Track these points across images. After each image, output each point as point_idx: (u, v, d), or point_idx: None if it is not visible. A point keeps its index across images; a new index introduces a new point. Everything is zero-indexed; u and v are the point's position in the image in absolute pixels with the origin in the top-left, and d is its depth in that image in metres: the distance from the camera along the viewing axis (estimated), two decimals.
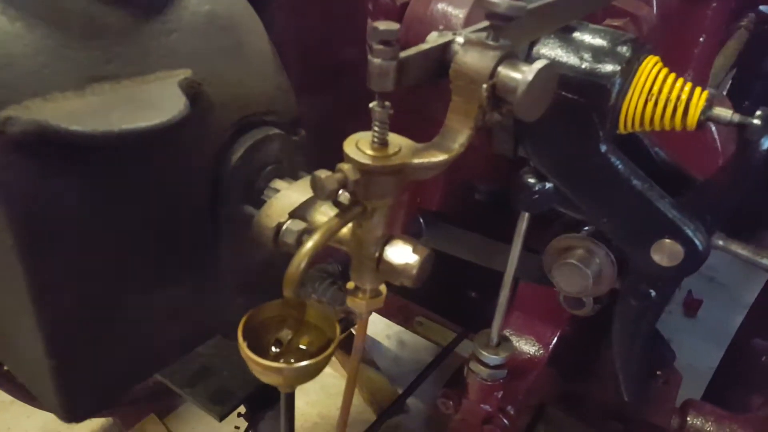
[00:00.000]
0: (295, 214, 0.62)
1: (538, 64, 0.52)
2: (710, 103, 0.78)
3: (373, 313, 0.65)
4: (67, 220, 0.50)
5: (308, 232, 0.61)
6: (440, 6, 0.89)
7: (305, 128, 0.73)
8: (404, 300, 1.87)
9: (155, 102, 0.52)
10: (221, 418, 1.27)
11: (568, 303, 1.08)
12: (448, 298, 1.73)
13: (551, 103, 0.84)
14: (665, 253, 0.84)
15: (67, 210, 0.49)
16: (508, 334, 1.30)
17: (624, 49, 0.81)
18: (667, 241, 0.83)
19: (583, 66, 0.81)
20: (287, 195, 0.64)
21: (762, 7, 1.61)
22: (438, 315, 1.87)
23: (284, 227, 0.61)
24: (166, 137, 0.51)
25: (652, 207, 0.83)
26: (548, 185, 0.92)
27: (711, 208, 0.85)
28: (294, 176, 0.70)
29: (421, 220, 1.24)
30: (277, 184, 0.67)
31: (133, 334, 0.61)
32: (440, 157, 0.56)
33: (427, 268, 0.60)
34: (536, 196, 0.94)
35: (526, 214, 0.98)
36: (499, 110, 0.55)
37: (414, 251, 0.59)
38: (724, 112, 0.78)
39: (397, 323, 1.97)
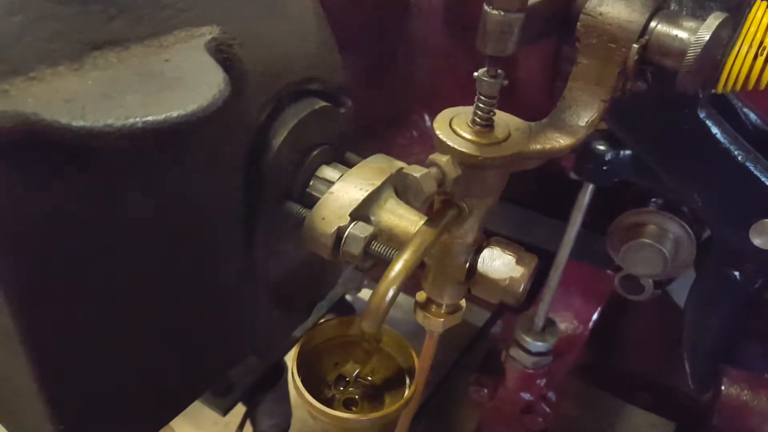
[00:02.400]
0: (357, 215, 0.48)
1: (714, 20, 0.38)
2: None
3: None
4: (63, 250, 0.35)
5: (376, 237, 0.47)
6: None
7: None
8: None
9: (182, 77, 0.36)
10: (225, 411, 1.16)
11: (626, 288, 0.96)
12: None
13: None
14: (767, 234, 0.72)
15: (62, 238, 0.35)
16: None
17: None
18: None
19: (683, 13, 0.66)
20: (343, 189, 0.49)
21: None
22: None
23: (347, 233, 0.47)
24: (193, 126, 0.36)
25: (757, 182, 0.70)
26: (623, 153, 0.79)
27: None
28: (343, 160, 0.56)
29: None
30: (326, 172, 0.52)
31: (147, 377, 0.47)
32: (564, 141, 0.42)
33: (531, 282, 0.47)
34: (607, 166, 0.81)
35: (590, 187, 0.85)
36: (645, 78, 0.41)
37: (519, 262, 0.46)
38: None
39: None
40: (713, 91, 0.71)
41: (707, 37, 0.38)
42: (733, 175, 0.71)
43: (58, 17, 0.35)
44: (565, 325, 1.27)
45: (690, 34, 0.38)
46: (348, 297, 1.34)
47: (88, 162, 0.34)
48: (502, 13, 0.36)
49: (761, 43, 0.67)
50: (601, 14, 0.40)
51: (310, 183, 0.52)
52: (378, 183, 0.50)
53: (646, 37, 0.39)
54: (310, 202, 0.50)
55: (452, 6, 0.79)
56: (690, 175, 0.73)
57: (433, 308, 0.51)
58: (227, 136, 0.44)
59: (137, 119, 0.31)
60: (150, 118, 0.32)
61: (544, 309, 1.01)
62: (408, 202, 0.39)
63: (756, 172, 0.70)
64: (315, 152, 0.52)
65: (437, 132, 0.41)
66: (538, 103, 0.87)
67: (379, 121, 0.90)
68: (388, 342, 0.52)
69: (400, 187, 0.39)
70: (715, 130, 0.70)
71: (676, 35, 0.38)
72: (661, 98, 0.71)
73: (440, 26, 0.81)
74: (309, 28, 0.51)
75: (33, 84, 0.32)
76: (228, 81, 0.37)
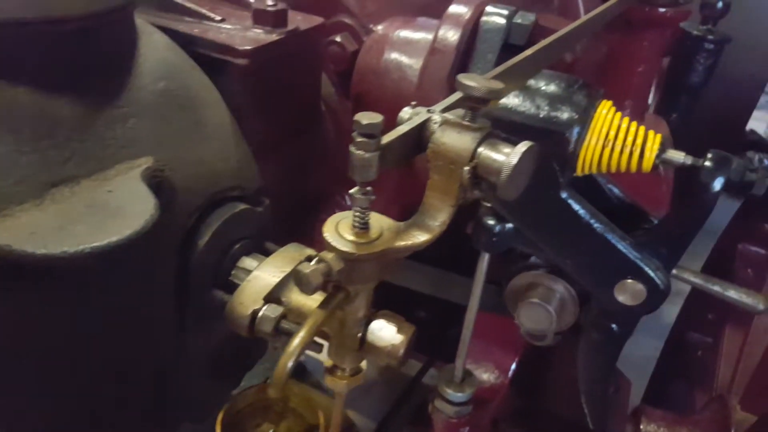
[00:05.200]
0: (270, 298, 0.59)
1: (522, 146, 0.52)
2: (664, 147, 0.80)
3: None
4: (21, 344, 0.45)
5: (286, 316, 0.58)
6: (393, 56, 0.88)
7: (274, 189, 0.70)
8: None
9: (121, 206, 0.48)
10: None
11: (530, 335, 1.09)
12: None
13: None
14: (628, 292, 0.86)
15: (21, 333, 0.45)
16: (467, 363, 1.30)
17: (580, 97, 0.82)
18: (630, 281, 0.85)
19: (541, 114, 0.82)
20: (259, 276, 0.61)
21: (682, 24, 1.68)
22: None
23: (260, 314, 0.58)
24: (135, 241, 0.48)
25: (614, 249, 0.84)
26: (508, 226, 0.92)
27: (668, 245, 0.87)
28: (262, 250, 0.67)
29: None
30: (246, 263, 0.64)
31: None
32: (422, 238, 0.55)
33: (412, 346, 0.59)
34: (496, 237, 0.94)
35: (487, 255, 0.98)
36: (480, 188, 0.55)
37: (399, 331, 0.58)
38: (677, 155, 0.81)
39: None
40: (575, 174, 0.86)
41: (515, 161, 0.51)
42: (595, 244, 0.85)
43: (24, 165, 0.46)
44: (486, 375, 1.38)
45: (505, 157, 0.52)
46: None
47: (42, 277, 0.45)
48: (364, 153, 0.49)
49: (606, 136, 0.83)
50: (442, 144, 0.54)
51: (233, 272, 0.63)
52: (288, 270, 0.61)
53: (475, 160, 0.52)
54: (233, 288, 0.61)
55: (359, 108, 0.93)
56: (559, 245, 0.88)
57: (338, 372, 0.62)
58: (160, 241, 0.56)
59: (85, 246, 0.42)
60: (96, 244, 0.43)
61: (461, 361, 1.13)
62: (301, 291, 0.51)
63: (613, 241, 0.85)
64: (237, 246, 0.64)
65: (325, 234, 0.53)
66: None
67: (309, 201, 1.03)
68: (300, 402, 0.62)
69: (295, 279, 0.50)
70: (576, 207, 0.85)
71: (495, 159, 0.52)
72: (529, 184, 0.85)
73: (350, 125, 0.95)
74: (229, 147, 0.64)
75: (6, 220, 0.43)
76: (158, 207, 0.49)
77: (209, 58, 0.66)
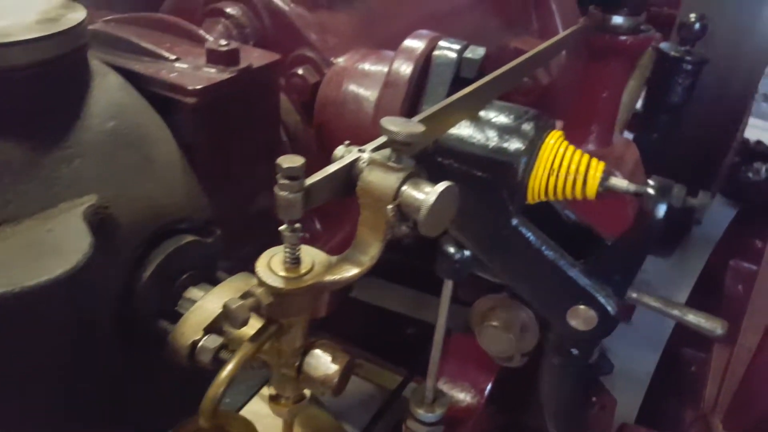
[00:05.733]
0: (211, 329, 0.62)
1: (441, 186, 0.54)
2: (607, 175, 0.83)
3: None
4: None
5: (226, 346, 0.61)
6: (351, 87, 0.91)
7: (228, 220, 0.73)
8: (340, 343, 1.86)
9: (58, 244, 0.51)
10: None
11: (497, 359, 1.11)
12: (386, 338, 1.74)
13: (463, 177, 0.88)
14: (580, 318, 0.88)
15: None
16: (443, 383, 1.32)
17: (528, 127, 0.84)
18: (582, 307, 0.87)
19: (491, 145, 0.84)
20: (202, 307, 0.63)
21: (661, 45, 1.72)
22: (378, 357, 1.87)
23: (200, 345, 0.60)
24: (70, 277, 0.50)
25: (565, 276, 0.87)
26: (467, 253, 0.95)
27: (619, 270, 0.90)
28: (212, 280, 0.70)
29: None
30: (192, 293, 0.66)
31: None
32: (352, 272, 0.57)
33: (349, 375, 0.61)
34: (457, 264, 0.97)
35: (450, 282, 1.01)
36: (407, 224, 0.57)
37: (334, 361, 0.60)
38: (620, 183, 0.83)
39: None
40: (526, 202, 0.89)
41: (433, 200, 0.54)
42: (546, 270, 0.88)
43: None
44: (462, 394, 1.40)
45: (425, 196, 0.54)
46: None
47: None
48: (287, 194, 0.52)
49: (551, 166, 0.85)
50: (369, 183, 0.56)
51: (179, 303, 0.66)
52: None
53: (399, 199, 0.55)
54: (178, 319, 0.64)
55: (321, 137, 0.96)
56: (513, 271, 0.90)
57: (282, 400, 0.64)
58: (102, 275, 0.58)
59: (16, 286, 0.45)
60: (27, 283, 0.46)
61: (431, 381, 1.15)
62: (230, 325, 0.53)
63: (564, 268, 0.87)
64: (184, 276, 0.67)
65: (257, 268, 0.56)
66: None
67: (273, 227, 1.06)
68: (241, 430, 0.65)
69: (223, 314, 0.53)
70: (527, 234, 0.88)
71: (416, 197, 0.55)
72: (480, 209, 0.88)
73: (314, 153, 0.98)
74: (176, 182, 0.67)
75: None
76: (93, 245, 0.52)
77: (161, 96, 0.69)
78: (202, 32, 0.80)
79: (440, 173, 0.89)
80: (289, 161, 0.51)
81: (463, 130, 0.86)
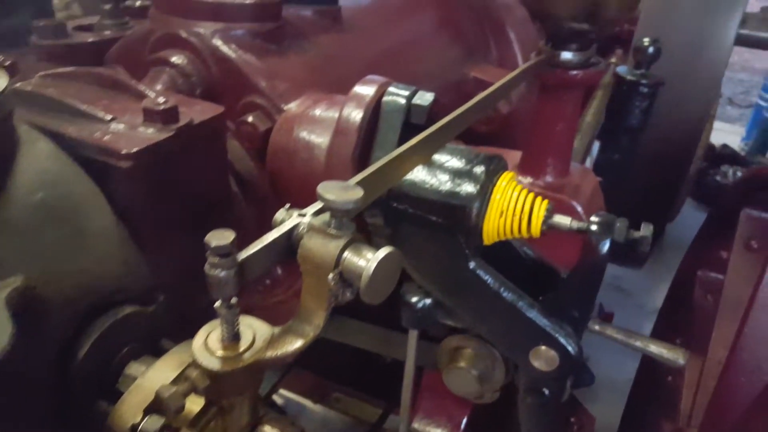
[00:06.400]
0: (152, 408, 0.59)
1: (382, 252, 0.52)
2: (550, 213, 0.82)
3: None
4: None
5: (169, 427, 0.58)
6: (303, 134, 0.89)
7: (175, 283, 0.70)
8: (317, 377, 1.82)
9: None
10: None
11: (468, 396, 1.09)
12: (364, 368, 1.71)
13: (419, 222, 0.86)
14: (542, 359, 0.86)
15: None
16: (419, 418, 1.30)
17: (480, 170, 0.83)
18: (543, 348, 0.86)
19: (444, 189, 0.83)
20: (142, 386, 0.60)
21: (618, 69, 1.74)
22: (356, 389, 1.83)
23: (140, 428, 0.57)
24: None
25: (524, 317, 0.85)
26: (428, 301, 0.93)
27: (577, 305, 0.88)
28: (156, 350, 0.67)
29: None
30: (133, 368, 0.63)
31: None
32: (296, 344, 0.55)
33: None
34: (420, 313, 0.95)
35: (415, 332, 0.99)
36: (351, 289, 0.55)
37: None
38: (563, 220, 0.82)
39: (313, 401, 1.91)
40: (482, 244, 0.87)
41: (374, 266, 0.52)
42: (505, 312, 0.86)
43: None
44: (439, 430, 1.37)
45: (366, 262, 0.52)
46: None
47: None
48: (219, 272, 0.49)
49: (503, 208, 0.84)
50: (309, 250, 0.54)
51: (120, 380, 0.63)
52: (173, 376, 0.61)
53: (340, 266, 0.53)
54: (119, 398, 0.60)
55: (275, 185, 0.94)
56: (473, 313, 0.88)
57: None
58: (32, 359, 0.55)
59: None
60: None
61: (404, 416, 1.12)
62: (165, 415, 0.50)
63: (523, 310, 0.86)
64: (124, 351, 0.64)
65: (193, 347, 0.53)
66: None
67: None
68: None
69: (157, 401, 0.50)
70: (485, 277, 0.86)
71: (358, 264, 0.53)
72: (437, 253, 0.87)
73: (270, 200, 0.96)
74: (112, 252, 0.64)
75: None
76: (14, 336, 0.48)
77: (95, 161, 0.67)
78: (142, 87, 0.78)
79: (396, 218, 0.88)
80: (218, 238, 0.48)
81: (417, 174, 0.84)
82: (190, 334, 0.66)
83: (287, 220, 0.57)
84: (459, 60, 1.62)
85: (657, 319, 1.68)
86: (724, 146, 4.22)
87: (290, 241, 0.56)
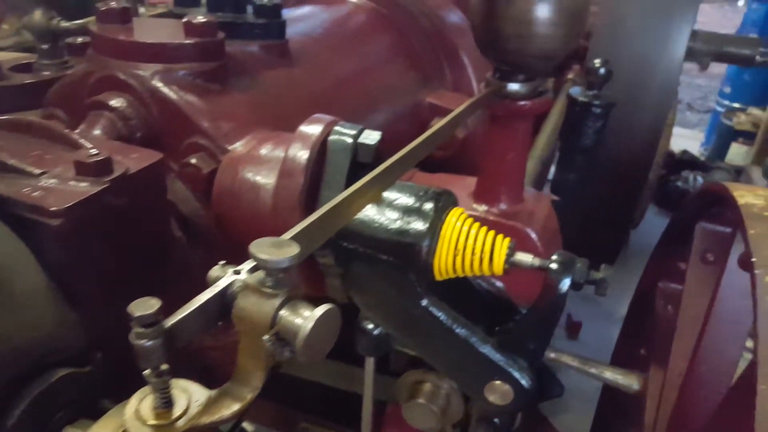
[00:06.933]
0: None
1: (319, 311, 0.51)
2: (512, 251, 0.81)
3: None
4: None
5: None
6: (248, 176, 0.87)
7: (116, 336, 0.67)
8: (283, 407, 1.79)
9: None
10: None
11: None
12: (331, 399, 1.68)
13: (370, 261, 0.85)
14: (497, 393, 0.86)
15: None
16: None
17: (429, 207, 0.83)
18: (497, 382, 0.85)
19: (393, 227, 0.82)
20: None
21: (571, 91, 1.76)
22: (324, 419, 1.80)
23: None
24: None
25: (478, 353, 0.85)
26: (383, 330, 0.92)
27: (533, 338, 0.88)
28: (95, 411, 0.64)
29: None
30: None
31: None
32: (233, 408, 0.53)
33: None
34: (375, 341, 0.94)
35: (372, 358, 0.98)
36: (290, 348, 0.54)
37: None
38: (526, 257, 0.82)
39: None
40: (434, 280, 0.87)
41: (311, 326, 0.51)
42: (459, 348, 0.85)
43: None
44: None
45: (303, 321, 0.51)
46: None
47: None
48: (144, 342, 0.47)
49: (456, 245, 0.84)
50: (243, 310, 0.53)
51: None
52: None
53: (277, 326, 0.52)
54: None
55: (221, 228, 0.92)
56: (428, 348, 0.88)
57: None
58: None
59: None
60: None
61: None
62: None
63: (476, 346, 0.85)
64: (58, 415, 0.61)
65: (125, 415, 0.51)
66: None
67: None
68: None
69: None
70: (438, 313, 0.85)
71: (294, 323, 0.51)
72: (389, 290, 0.86)
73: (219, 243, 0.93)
74: (42, 314, 0.61)
75: None
76: None
77: (24, 219, 0.64)
78: (76, 136, 0.75)
79: (347, 258, 0.87)
80: (141, 307, 0.46)
81: (366, 213, 0.83)
82: (134, 391, 0.64)
83: (222, 277, 0.56)
84: (414, 86, 1.62)
85: (621, 330, 1.69)
86: (684, 152, 4.32)
87: (224, 300, 0.54)
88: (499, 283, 1.07)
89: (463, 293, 0.94)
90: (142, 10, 1.52)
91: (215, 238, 0.95)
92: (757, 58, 2.43)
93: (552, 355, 0.96)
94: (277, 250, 0.52)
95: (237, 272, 0.56)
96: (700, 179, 4.00)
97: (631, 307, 1.67)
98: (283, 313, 0.52)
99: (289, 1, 1.73)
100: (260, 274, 0.54)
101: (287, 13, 1.47)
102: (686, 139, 4.97)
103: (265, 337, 0.51)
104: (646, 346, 1.52)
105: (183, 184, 0.93)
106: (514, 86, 1.03)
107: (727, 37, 2.62)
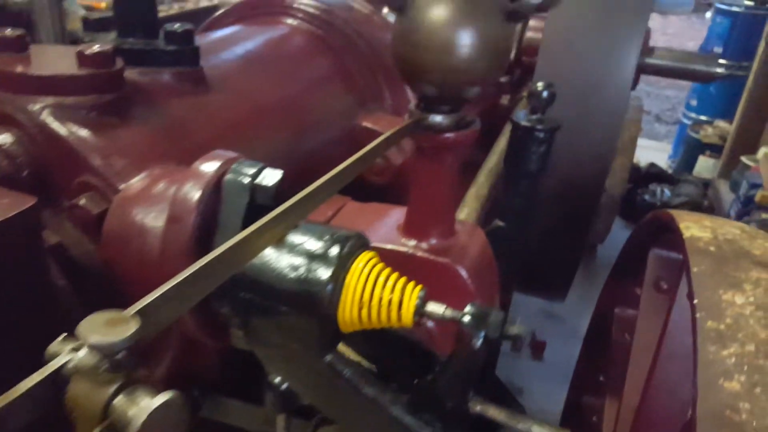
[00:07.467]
0: None
1: (157, 401, 0.45)
2: (423, 301, 0.76)
3: None
4: None
5: None
6: (138, 218, 0.80)
7: None
8: None
9: None
10: None
11: None
12: None
13: (268, 312, 0.79)
14: None
15: None
16: None
17: (334, 251, 0.77)
18: None
19: (293, 275, 0.76)
20: None
21: (514, 115, 1.73)
22: None
23: None
24: None
25: (386, 414, 0.79)
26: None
27: (450, 396, 0.83)
28: None
29: (196, 394, 1.13)
30: None
31: None
32: None
33: None
34: (284, 396, 0.88)
35: (282, 415, 0.92)
36: None
37: None
38: (437, 308, 0.76)
39: None
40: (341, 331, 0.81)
41: (143, 418, 0.44)
42: (367, 408, 0.79)
43: None
44: None
45: (140, 412, 0.45)
46: None
47: None
48: None
49: (362, 295, 0.78)
50: (74, 398, 0.46)
51: None
52: None
53: (110, 418, 0.45)
54: None
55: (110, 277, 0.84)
56: (333, 406, 0.82)
57: None
58: None
59: None
60: None
61: None
62: None
63: (385, 406, 0.79)
64: None
65: None
66: None
67: None
68: None
69: None
70: (343, 370, 0.79)
71: (128, 415, 0.45)
72: (290, 345, 0.79)
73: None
74: None
75: None
76: None
77: None
78: None
79: (244, 308, 0.80)
80: None
81: (265, 258, 0.77)
82: None
83: (61, 354, 0.49)
84: (349, 110, 1.57)
85: (579, 357, 1.65)
86: (652, 165, 4.31)
87: (57, 384, 0.47)
88: (430, 323, 1.02)
89: (380, 341, 0.88)
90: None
91: (111, 285, 0.88)
92: (718, 70, 2.42)
93: (477, 407, 0.91)
94: (111, 328, 0.46)
95: (76, 349, 0.49)
96: (667, 192, 4.01)
97: (588, 332, 1.63)
98: (117, 402, 0.45)
99: (223, 21, 1.67)
100: (95, 356, 0.47)
101: (213, 36, 1.40)
102: (654, 151, 4.97)
103: (97, 429, 0.45)
104: (603, 373, 1.48)
105: (74, 226, 0.86)
106: (437, 118, 0.98)
107: (685, 53, 2.62)
